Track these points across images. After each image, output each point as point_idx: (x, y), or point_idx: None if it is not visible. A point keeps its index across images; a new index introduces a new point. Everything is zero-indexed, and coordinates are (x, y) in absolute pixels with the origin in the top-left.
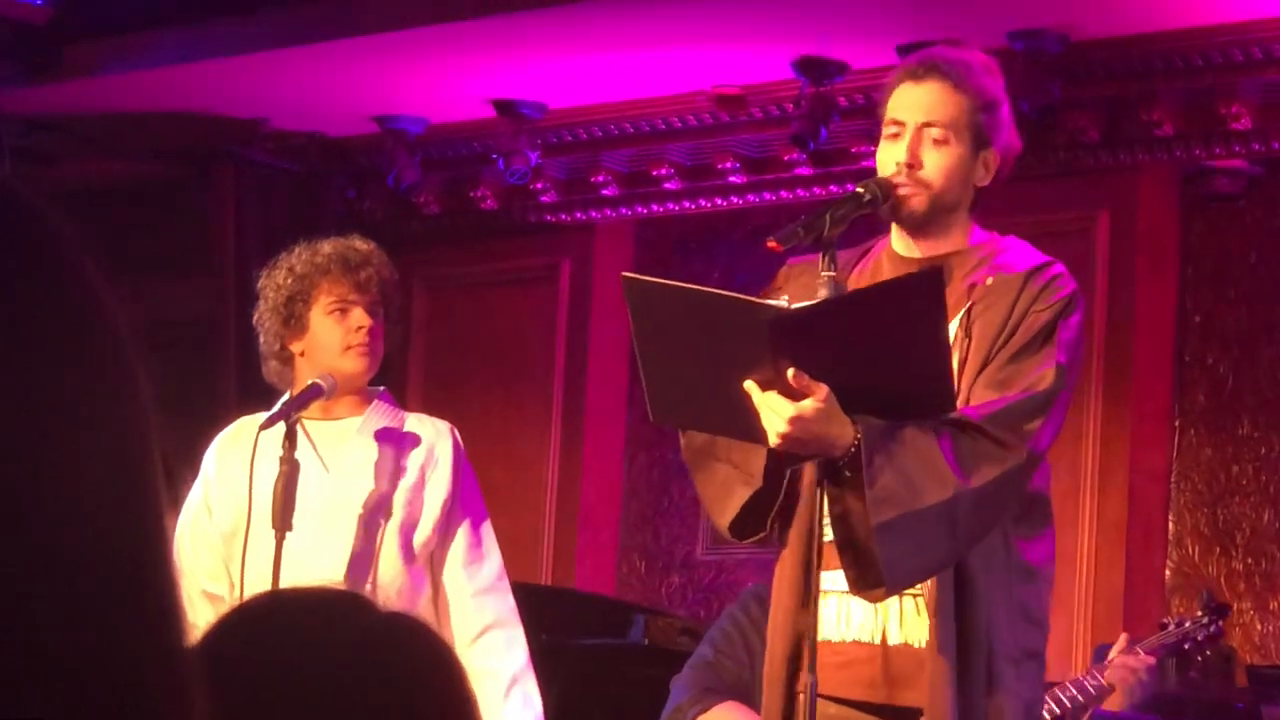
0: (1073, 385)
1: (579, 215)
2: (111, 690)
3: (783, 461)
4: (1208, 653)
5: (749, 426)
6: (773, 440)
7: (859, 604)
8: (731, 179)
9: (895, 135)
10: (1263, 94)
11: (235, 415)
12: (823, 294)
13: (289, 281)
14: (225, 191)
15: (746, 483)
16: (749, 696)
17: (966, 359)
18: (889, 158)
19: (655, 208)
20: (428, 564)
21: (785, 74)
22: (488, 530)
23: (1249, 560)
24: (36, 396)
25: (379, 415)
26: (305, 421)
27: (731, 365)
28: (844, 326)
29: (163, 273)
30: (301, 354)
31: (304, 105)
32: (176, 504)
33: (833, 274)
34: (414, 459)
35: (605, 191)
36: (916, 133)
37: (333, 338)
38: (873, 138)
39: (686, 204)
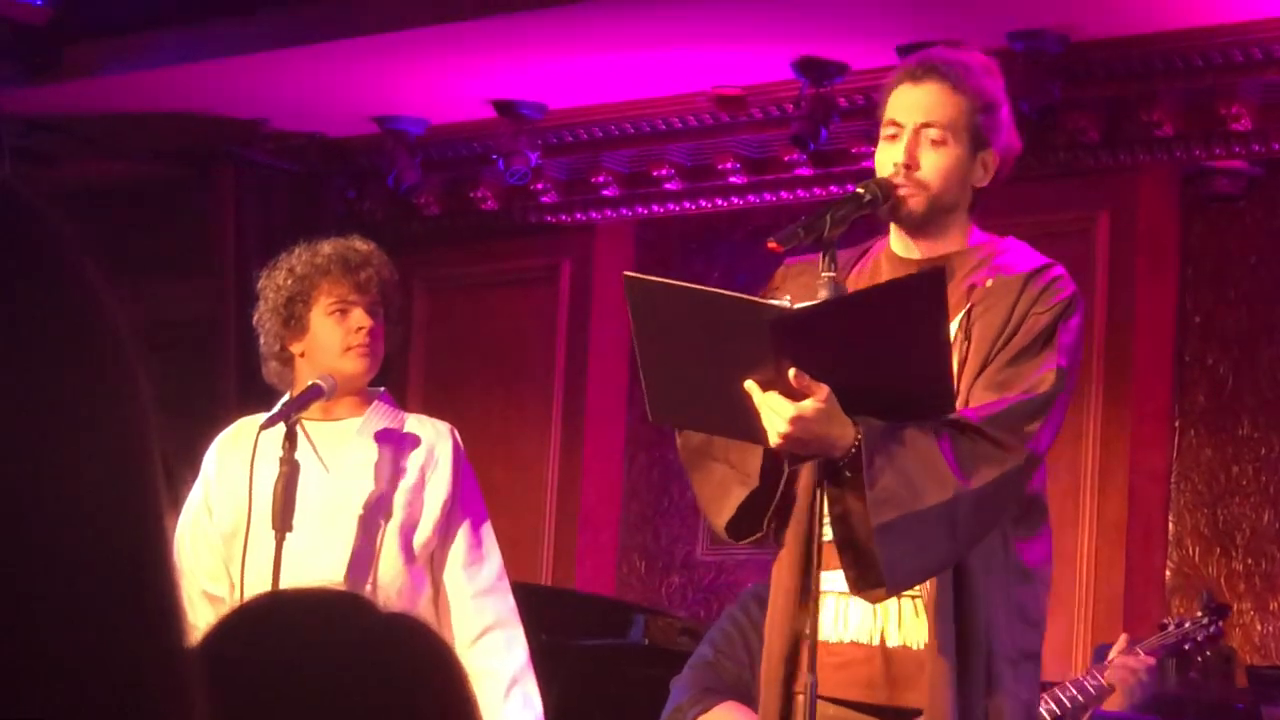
0: (1072, 388)
1: (579, 216)
2: (111, 690)
3: (781, 461)
4: (1208, 653)
5: (749, 426)
6: (773, 440)
7: (857, 605)
8: (732, 179)
9: (893, 136)
10: (1263, 94)
11: (235, 416)
12: (823, 294)
13: (289, 282)
14: (225, 192)
15: (743, 482)
16: (749, 697)
17: (966, 360)
18: (887, 158)
19: (655, 208)
20: (428, 564)
21: (785, 74)
22: (488, 531)
23: (1249, 561)
24: (36, 396)
25: (379, 416)
26: (305, 422)
27: (732, 365)
28: (846, 327)
29: (163, 273)
30: (302, 355)
31: (304, 106)
32: (176, 504)
33: (833, 274)
34: (414, 460)
35: (605, 192)
36: (914, 134)
37: (333, 338)
38: (873, 138)
39: (687, 204)
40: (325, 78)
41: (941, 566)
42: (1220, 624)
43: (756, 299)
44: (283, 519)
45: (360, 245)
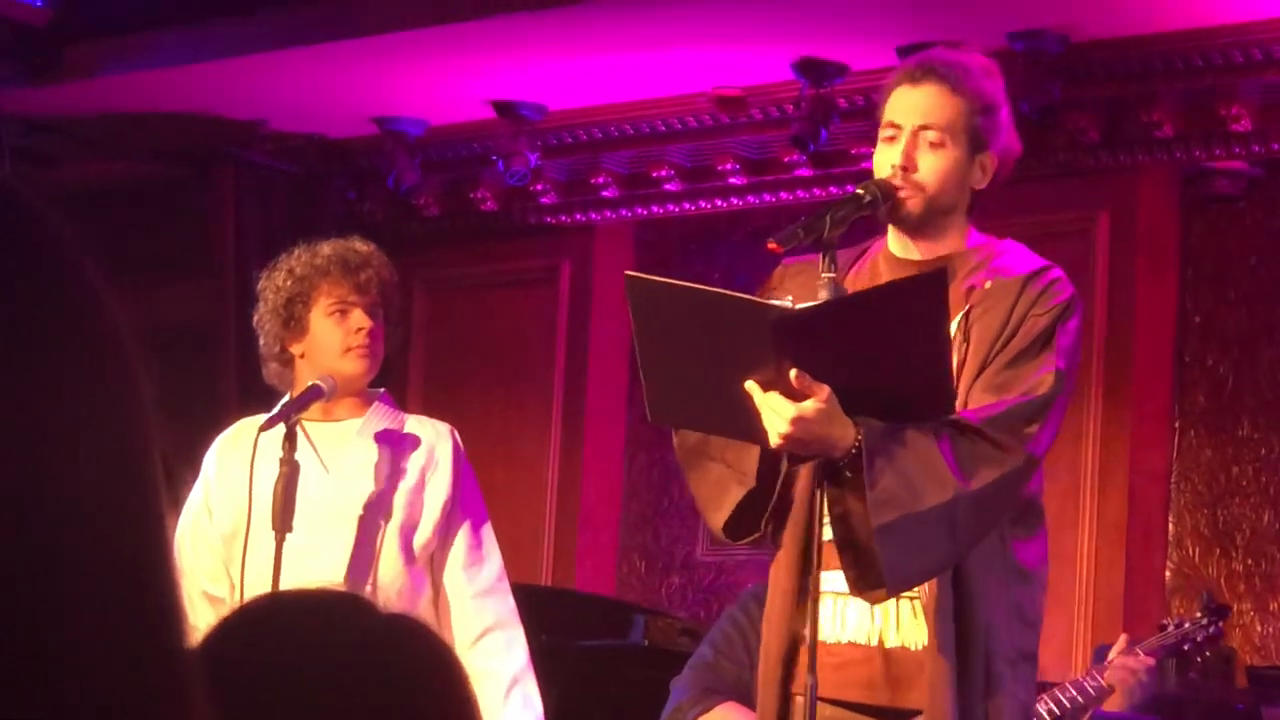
0: (1070, 390)
1: (579, 217)
2: (111, 690)
3: (778, 461)
4: (1207, 654)
5: (749, 426)
6: (774, 440)
7: (855, 606)
8: (731, 180)
9: (892, 138)
10: (1263, 95)
11: (235, 417)
12: (823, 295)
13: (289, 283)
14: (225, 193)
15: (740, 482)
16: (749, 697)
17: (964, 362)
18: (885, 160)
19: (655, 209)
20: (428, 565)
21: (785, 75)
22: (488, 532)
23: (1249, 561)
24: (36, 397)
25: (379, 417)
26: (305, 423)
27: (733, 365)
28: (847, 327)
29: (163, 274)
30: (301, 356)
31: (304, 106)
32: (177, 505)
33: (832, 275)
34: (414, 461)
35: (605, 193)
36: (912, 135)
37: (333, 339)
38: (872, 139)
39: (687, 205)
40: (325, 78)
41: (941, 567)
42: (1220, 624)
43: (758, 299)
44: (283, 520)
45: (360, 246)
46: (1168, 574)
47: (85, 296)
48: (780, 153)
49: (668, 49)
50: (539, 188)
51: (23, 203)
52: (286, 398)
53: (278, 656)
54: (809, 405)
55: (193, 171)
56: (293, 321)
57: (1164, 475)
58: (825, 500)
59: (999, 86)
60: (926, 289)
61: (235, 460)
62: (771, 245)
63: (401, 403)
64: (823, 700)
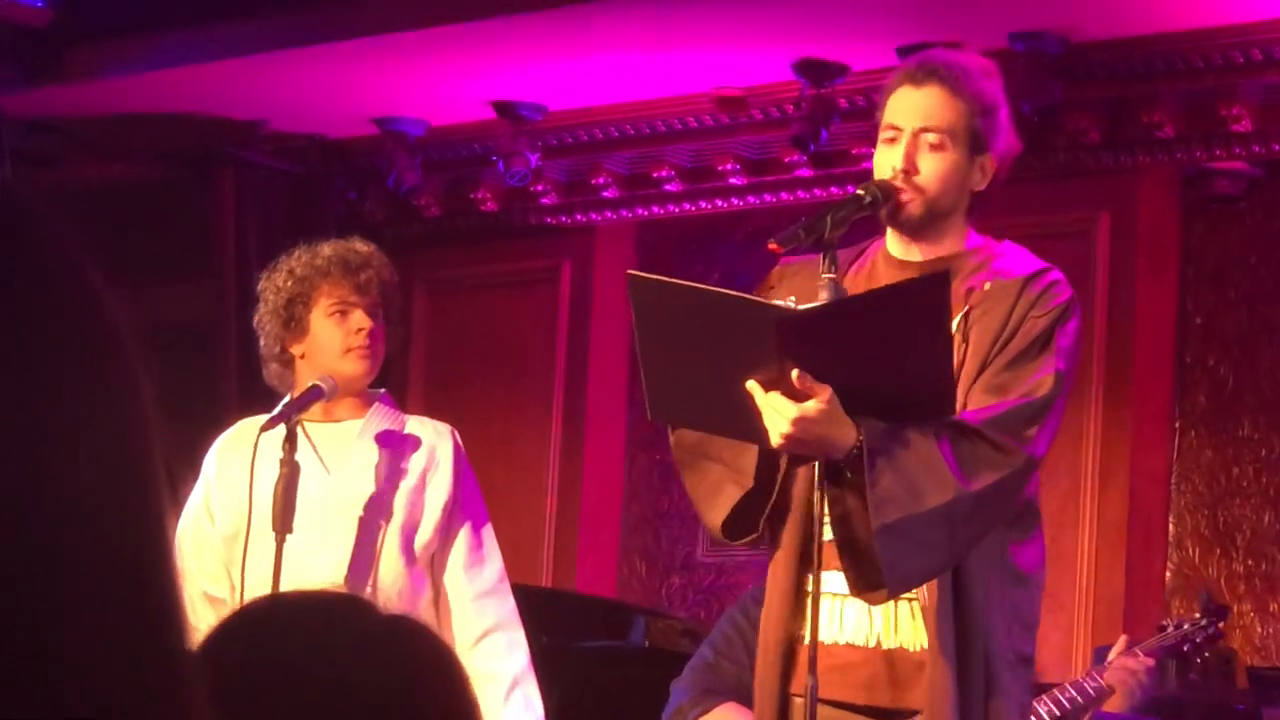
0: (1068, 392)
1: (579, 217)
2: (111, 690)
3: (776, 462)
4: (1207, 655)
5: (749, 426)
6: (775, 441)
7: (853, 607)
8: (732, 181)
9: (892, 140)
10: (1263, 96)
11: (236, 417)
12: (823, 296)
13: (289, 284)
14: (225, 193)
15: (738, 482)
16: (749, 698)
17: (963, 363)
18: (886, 161)
19: (656, 210)
20: (428, 567)
21: (786, 76)
22: (488, 533)
23: (1249, 562)
24: (37, 397)
25: (380, 418)
26: (306, 424)
27: (735, 365)
28: (850, 328)
29: (163, 274)
30: (302, 356)
31: (304, 107)
32: (177, 505)
33: (833, 276)
34: (415, 461)
35: (606, 193)
36: (913, 138)
37: (333, 340)
38: (873, 140)
39: (687, 206)
40: (325, 79)
41: (941, 568)
42: (1219, 625)
43: (761, 299)
44: (283, 521)
45: (360, 247)
46: (1168, 575)
47: (85, 297)
48: (781, 153)
49: (668, 49)
50: (539, 188)
51: (24, 204)
52: (287, 398)
53: (278, 658)
54: (811, 406)
55: (193, 172)
56: (293, 322)
57: (1164, 476)
58: (826, 501)
59: (998, 87)
60: (930, 291)
61: (236, 461)
62: (772, 246)
63: (402, 403)
64: (821, 701)
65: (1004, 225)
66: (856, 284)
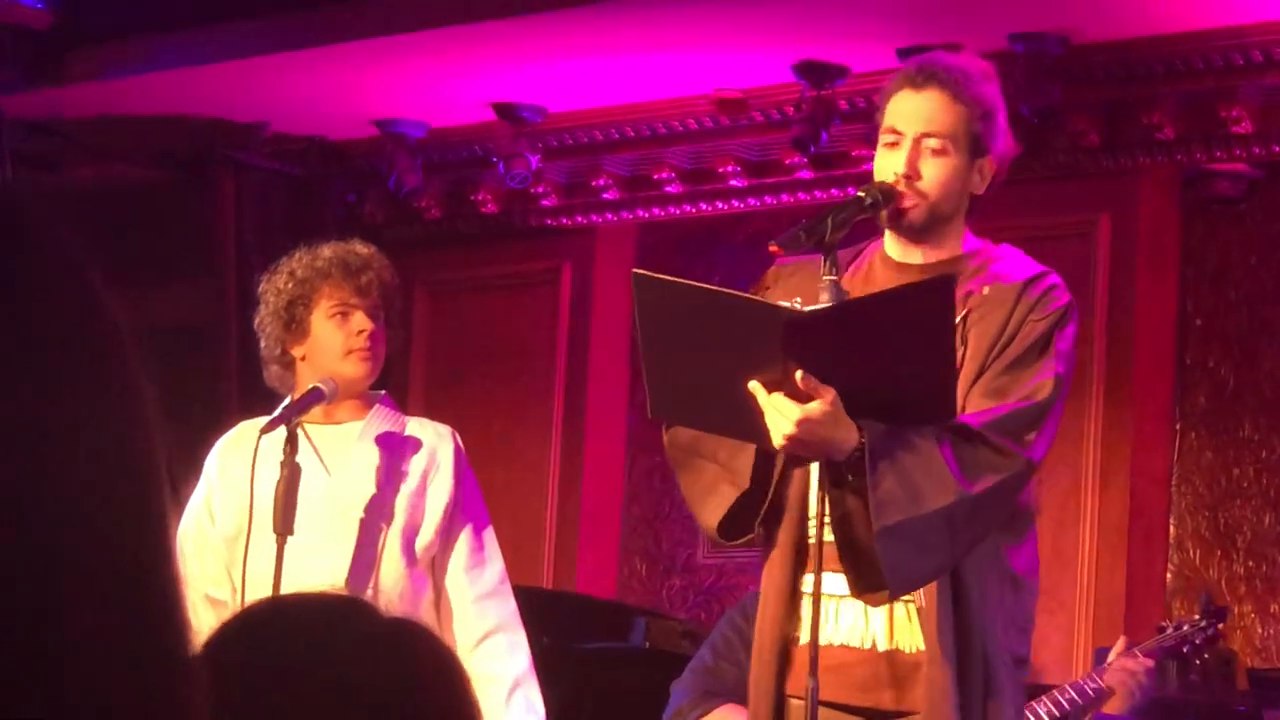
0: (1066, 396)
1: (580, 219)
2: (111, 690)
3: (771, 462)
4: (1206, 656)
5: (750, 426)
6: (777, 441)
7: (849, 608)
8: (732, 182)
9: (893, 144)
10: (1263, 97)
11: (236, 419)
12: (824, 298)
13: (290, 286)
14: (226, 195)
15: (733, 483)
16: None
17: (961, 366)
18: (886, 165)
19: (656, 211)
20: (429, 568)
21: (786, 77)
22: (489, 535)
23: (1250, 563)
24: (37, 397)
25: (380, 419)
26: (307, 426)
27: (738, 365)
28: (854, 331)
29: (162, 275)
30: (303, 358)
31: (304, 109)
32: (179, 506)
33: (834, 278)
34: (415, 463)
35: (606, 195)
36: (915, 143)
37: (334, 342)
38: (873, 142)
39: (687, 207)
40: (325, 80)
41: (941, 570)
42: (1218, 626)
43: (766, 300)
44: (284, 522)
45: (361, 248)
46: (1168, 576)
47: (85, 298)
48: (781, 155)
49: (668, 51)
50: (540, 190)
51: (25, 206)
52: (287, 400)
53: (280, 660)
54: (814, 407)
55: (193, 174)
56: (294, 324)
57: (1165, 477)
58: (827, 502)
59: (997, 89)
60: (936, 295)
61: (237, 463)
62: (773, 248)
63: (403, 405)
64: (819, 702)
65: (1004, 227)
66: (854, 285)
